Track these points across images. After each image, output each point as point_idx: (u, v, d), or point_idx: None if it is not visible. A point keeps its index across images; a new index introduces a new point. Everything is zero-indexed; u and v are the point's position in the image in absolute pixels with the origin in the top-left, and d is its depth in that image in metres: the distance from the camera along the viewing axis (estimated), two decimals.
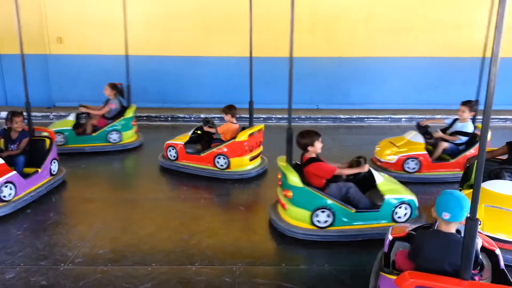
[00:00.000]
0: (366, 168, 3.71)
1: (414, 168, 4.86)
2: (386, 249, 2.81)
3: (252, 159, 5.15)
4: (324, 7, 8.37)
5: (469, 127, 4.92)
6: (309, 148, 3.76)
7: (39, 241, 3.54)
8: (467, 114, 4.92)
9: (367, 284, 2.86)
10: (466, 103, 4.93)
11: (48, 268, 3.15)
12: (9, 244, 3.49)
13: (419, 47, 8.42)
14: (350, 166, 3.83)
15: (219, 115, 8.15)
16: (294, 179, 3.59)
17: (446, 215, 2.33)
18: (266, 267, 3.19)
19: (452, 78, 8.65)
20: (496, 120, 8.09)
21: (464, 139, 4.94)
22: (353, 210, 3.58)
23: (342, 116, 8.12)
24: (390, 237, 2.81)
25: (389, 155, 4.97)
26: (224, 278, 3.04)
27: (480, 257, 2.44)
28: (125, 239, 3.59)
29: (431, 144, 5.03)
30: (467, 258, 2.14)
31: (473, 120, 5.06)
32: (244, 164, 5.08)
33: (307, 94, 8.73)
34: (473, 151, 4.83)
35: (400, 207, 3.67)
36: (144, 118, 8.17)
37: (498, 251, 2.60)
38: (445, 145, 4.91)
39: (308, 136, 3.76)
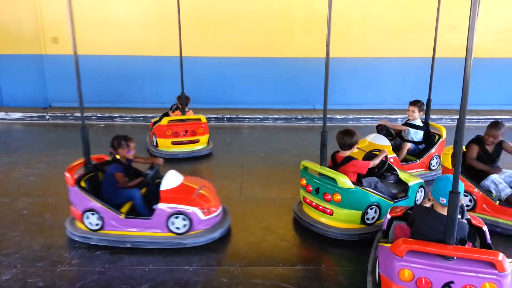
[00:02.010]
0: (385, 152, 3.92)
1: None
2: (384, 227, 3.05)
3: (176, 143, 5.79)
4: (320, 8, 8.39)
5: (418, 123, 5.15)
6: (354, 147, 3.79)
7: (36, 242, 3.53)
8: (417, 114, 5.12)
9: (364, 285, 2.88)
10: (414, 103, 5.13)
11: (45, 270, 3.14)
12: (5, 246, 3.48)
13: (414, 47, 8.47)
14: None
15: (214, 115, 8.15)
16: (346, 181, 3.49)
17: (443, 200, 2.56)
18: (263, 267, 3.20)
19: (447, 78, 8.69)
20: (491, 120, 8.13)
21: (416, 135, 5.14)
22: (393, 202, 3.66)
23: (338, 116, 8.15)
24: (388, 216, 3.06)
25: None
26: (222, 279, 3.05)
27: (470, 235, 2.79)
28: None
29: (393, 146, 4.99)
30: (451, 226, 2.44)
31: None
32: (167, 146, 5.81)
33: (303, 94, 8.76)
34: (433, 150, 5.03)
35: (419, 191, 3.83)
36: (141, 118, 8.16)
37: (485, 228, 2.88)
38: (408, 145, 5.04)
39: (355, 135, 3.78)
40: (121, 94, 8.78)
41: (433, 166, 5.09)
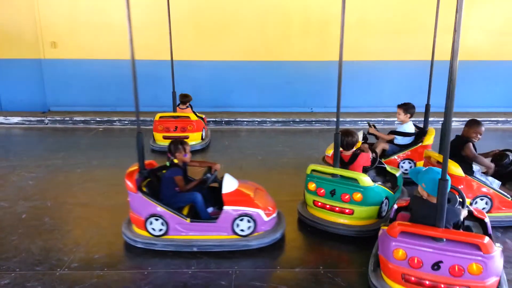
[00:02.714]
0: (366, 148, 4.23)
1: None
2: (392, 215, 3.25)
3: (166, 138, 6.30)
4: (316, 11, 8.45)
5: (406, 128, 5.10)
6: (355, 145, 3.94)
7: (35, 246, 3.54)
8: (403, 116, 5.10)
9: (363, 287, 2.91)
10: (400, 105, 5.14)
11: (44, 273, 3.15)
12: (4, 250, 3.49)
13: (410, 50, 8.52)
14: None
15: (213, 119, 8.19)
16: (367, 180, 3.61)
17: (423, 185, 2.88)
18: (262, 270, 3.22)
19: (444, 81, 8.74)
20: (487, 122, 8.18)
21: (402, 140, 5.09)
22: (394, 192, 3.83)
23: (335, 120, 8.16)
24: (395, 206, 3.27)
25: (328, 151, 5.14)
26: (220, 282, 3.06)
27: (466, 223, 3.04)
28: (121, 243, 3.60)
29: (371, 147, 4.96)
30: (441, 210, 2.66)
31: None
32: (159, 139, 6.45)
33: (301, 97, 8.80)
34: (409, 153, 5.00)
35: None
36: (140, 122, 8.16)
37: (486, 220, 3.06)
38: (384, 145, 5.07)
39: (355, 134, 3.96)
40: (120, 98, 8.80)
41: (401, 167, 4.95)
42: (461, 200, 3.01)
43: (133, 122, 8.17)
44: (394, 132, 5.16)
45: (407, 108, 5.10)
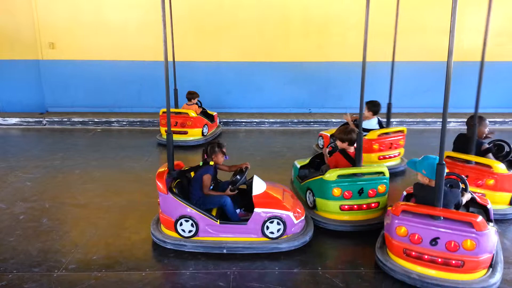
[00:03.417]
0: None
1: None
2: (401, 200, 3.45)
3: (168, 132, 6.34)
4: (316, 12, 8.46)
5: (371, 125, 5.52)
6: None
7: (32, 247, 3.53)
8: (366, 113, 5.50)
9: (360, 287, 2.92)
10: (367, 103, 5.52)
11: (42, 275, 3.14)
12: (1, 251, 3.48)
13: (409, 51, 8.52)
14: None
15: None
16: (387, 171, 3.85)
17: (424, 171, 3.12)
18: (260, 271, 3.21)
19: (442, 82, 8.76)
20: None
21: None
22: None
23: (334, 120, 8.19)
24: (404, 193, 3.42)
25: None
26: (218, 283, 3.06)
27: (470, 210, 3.30)
28: (119, 245, 3.59)
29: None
30: (439, 192, 2.92)
31: None
32: (162, 133, 6.86)
33: (299, 98, 8.80)
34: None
35: None
36: (138, 123, 8.18)
37: (489, 206, 3.32)
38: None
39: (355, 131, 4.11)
40: (118, 99, 8.80)
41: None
42: (463, 186, 3.25)
43: (132, 123, 8.17)
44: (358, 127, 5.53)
45: (370, 106, 5.51)
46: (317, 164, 4.66)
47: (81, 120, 8.15)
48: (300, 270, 3.24)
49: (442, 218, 2.92)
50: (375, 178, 3.80)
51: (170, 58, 6.89)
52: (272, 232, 3.46)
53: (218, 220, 3.45)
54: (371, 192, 3.79)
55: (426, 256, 2.94)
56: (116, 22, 8.48)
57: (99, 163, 5.86)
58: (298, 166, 4.66)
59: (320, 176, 3.85)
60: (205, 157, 3.72)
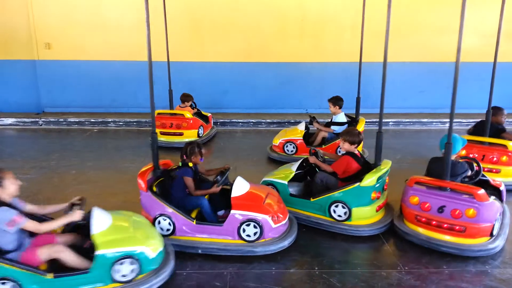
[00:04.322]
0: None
1: (292, 151, 5.89)
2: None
3: (163, 133, 6.62)
4: (312, 13, 8.48)
5: (340, 118, 5.88)
6: None
7: None
8: (333, 109, 5.89)
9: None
10: (330, 99, 5.92)
11: None
12: None
13: (405, 52, 8.56)
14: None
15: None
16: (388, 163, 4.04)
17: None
18: (257, 271, 3.22)
19: (437, 82, 8.81)
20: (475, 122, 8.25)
21: (339, 129, 5.71)
22: None
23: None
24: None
25: (275, 140, 6.04)
26: (215, 283, 3.06)
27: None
28: None
29: (309, 133, 6.07)
30: (446, 166, 3.44)
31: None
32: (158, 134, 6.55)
33: (296, 98, 8.81)
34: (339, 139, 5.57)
35: None
36: (134, 123, 8.16)
37: (502, 188, 3.80)
38: (323, 134, 5.85)
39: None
40: (115, 99, 8.78)
41: (339, 152, 5.35)
42: (477, 168, 3.76)
43: (128, 123, 8.16)
44: (332, 123, 5.92)
45: (335, 101, 5.86)
46: (303, 175, 4.31)
47: (77, 120, 8.13)
48: (297, 270, 3.25)
49: (449, 189, 3.41)
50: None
51: (164, 59, 6.88)
52: (248, 235, 3.39)
53: (194, 220, 3.46)
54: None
55: (434, 222, 3.44)
56: (112, 22, 8.45)
57: (95, 164, 5.85)
58: (286, 182, 4.08)
59: (359, 184, 3.66)
60: (184, 158, 3.72)
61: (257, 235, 3.38)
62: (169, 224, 3.48)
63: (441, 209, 3.39)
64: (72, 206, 2.97)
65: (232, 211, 3.39)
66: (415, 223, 3.56)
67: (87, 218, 2.91)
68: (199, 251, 3.41)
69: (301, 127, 5.97)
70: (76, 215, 2.87)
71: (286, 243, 3.46)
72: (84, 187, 4.98)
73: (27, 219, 2.75)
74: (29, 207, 2.98)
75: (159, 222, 3.50)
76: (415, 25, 8.46)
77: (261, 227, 3.37)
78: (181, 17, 8.24)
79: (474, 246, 3.33)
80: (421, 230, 3.52)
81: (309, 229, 3.83)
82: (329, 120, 6.08)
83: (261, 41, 8.54)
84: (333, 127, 5.86)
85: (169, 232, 3.50)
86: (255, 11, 8.43)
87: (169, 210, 3.47)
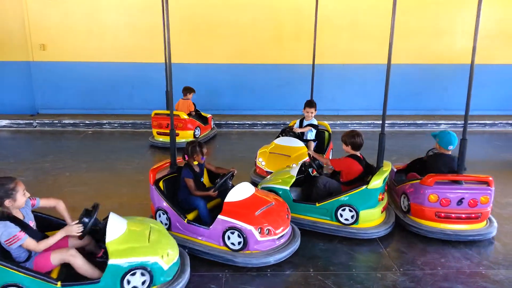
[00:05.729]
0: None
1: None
2: (393, 177, 4.11)
3: (159, 133, 6.82)
4: (308, 16, 8.47)
5: (315, 121, 5.80)
6: None
7: None
8: (314, 113, 5.81)
9: None
10: (313, 104, 5.82)
11: None
12: None
13: (401, 54, 8.59)
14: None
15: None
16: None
17: (451, 147, 3.98)
18: (252, 273, 3.21)
19: (433, 84, 8.86)
20: (475, 125, 8.30)
21: (313, 135, 5.68)
22: None
23: (326, 122, 8.20)
24: (394, 169, 4.24)
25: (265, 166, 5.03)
26: (211, 285, 3.05)
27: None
28: None
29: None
30: (462, 161, 3.68)
31: None
32: (154, 134, 6.95)
33: (292, 100, 8.82)
34: (331, 145, 5.75)
35: None
36: (129, 125, 8.14)
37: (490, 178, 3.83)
38: (312, 144, 5.54)
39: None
40: (110, 101, 8.75)
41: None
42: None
43: (123, 125, 8.13)
44: (309, 125, 5.71)
45: (311, 104, 5.77)
46: (303, 180, 4.26)
47: (72, 122, 8.09)
48: (292, 272, 3.24)
49: (463, 182, 3.68)
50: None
51: (162, 60, 6.88)
52: (233, 243, 3.25)
53: (186, 219, 3.46)
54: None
55: (453, 215, 3.68)
56: (107, 23, 8.44)
57: (90, 166, 5.82)
58: (288, 188, 3.95)
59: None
60: (186, 157, 3.74)
61: (241, 245, 3.23)
62: (166, 219, 3.56)
63: (460, 202, 3.63)
64: (86, 212, 2.94)
65: (219, 216, 3.31)
66: (435, 220, 3.71)
67: (103, 224, 2.88)
68: (186, 250, 3.38)
69: (295, 142, 5.29)
70: (73, 230, 2.84)
71: (270, 259, 3.23)
72: (78, 189, 4.95)
73: (27, 237, 2.69)
74: (43, 202, 3.05)
75: (159, 216, 3.61)
76: (410, 28, 8.50)
77: (244, 238, 3.20)
78: (177, 19, 8.23)
79: (482, 230, 3.71)
80: (442, 226, 3.72)
81: (304, 232, 3.82)
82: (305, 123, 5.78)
83: (258, 42, 8.56)
84: (312, 129, 5.68)
85: (166, 226, 3.55)
86: (252, 13, 8.45)
87: (166, 205, 3.53)
